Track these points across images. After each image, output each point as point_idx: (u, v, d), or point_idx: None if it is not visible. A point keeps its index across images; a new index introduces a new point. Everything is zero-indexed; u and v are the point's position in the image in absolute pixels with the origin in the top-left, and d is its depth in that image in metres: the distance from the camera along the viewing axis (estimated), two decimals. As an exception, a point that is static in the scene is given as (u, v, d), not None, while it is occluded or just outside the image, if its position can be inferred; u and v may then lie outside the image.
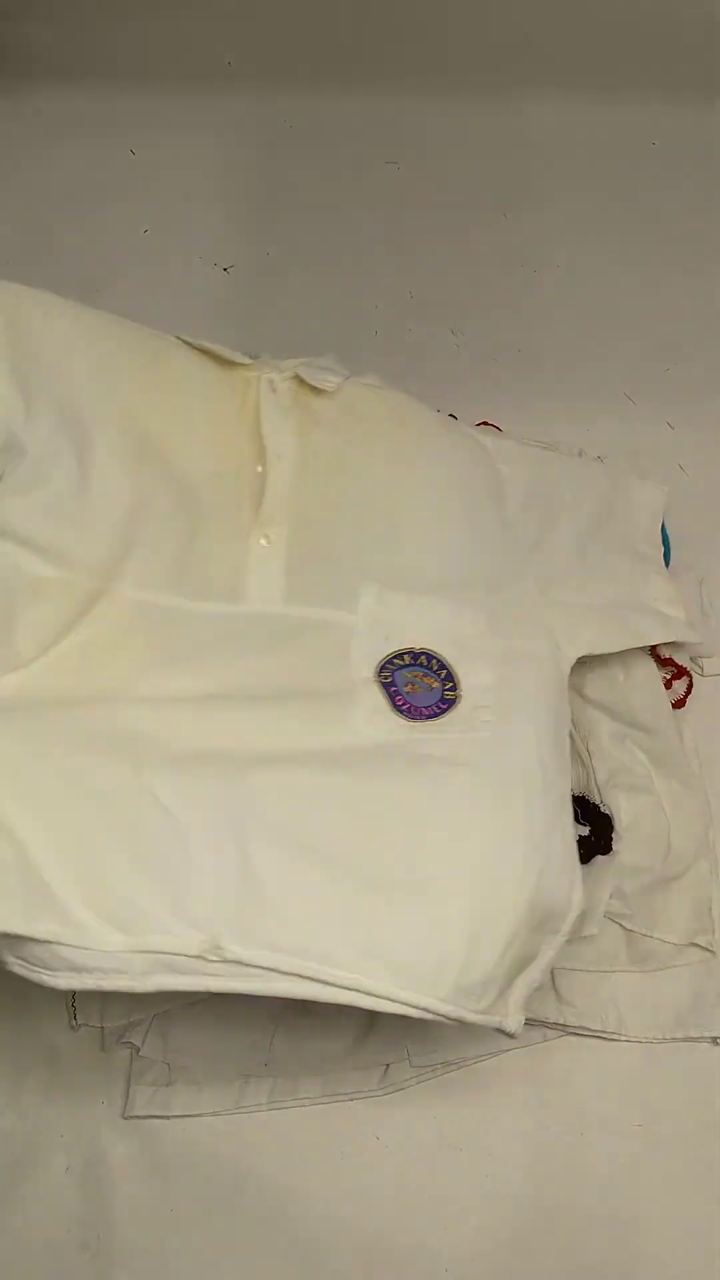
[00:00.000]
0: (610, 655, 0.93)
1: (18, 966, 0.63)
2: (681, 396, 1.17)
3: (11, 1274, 0.75)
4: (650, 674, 0.93)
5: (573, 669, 0.93)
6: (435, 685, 0.73)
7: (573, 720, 0.91)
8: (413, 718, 0.71)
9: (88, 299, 1.20)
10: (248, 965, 0.60)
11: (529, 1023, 0.81)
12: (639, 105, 1.39)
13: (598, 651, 0.85)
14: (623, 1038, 0.82)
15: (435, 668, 0.74)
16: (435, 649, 0.75)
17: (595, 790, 0.88)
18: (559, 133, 1.38)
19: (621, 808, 0.87)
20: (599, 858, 0.85)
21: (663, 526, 1.02)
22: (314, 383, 0.86)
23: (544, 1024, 0.82)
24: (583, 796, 0.88)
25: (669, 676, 0.95)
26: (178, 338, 0.85)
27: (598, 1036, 0.82)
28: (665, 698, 0.93)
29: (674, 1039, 0.82)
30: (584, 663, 0.93)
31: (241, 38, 1.38)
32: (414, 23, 1.37)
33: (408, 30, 1.38)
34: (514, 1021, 0.64)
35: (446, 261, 1.26)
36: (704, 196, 1.34)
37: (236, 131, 1.36)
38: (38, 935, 0.61)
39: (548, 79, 1.39)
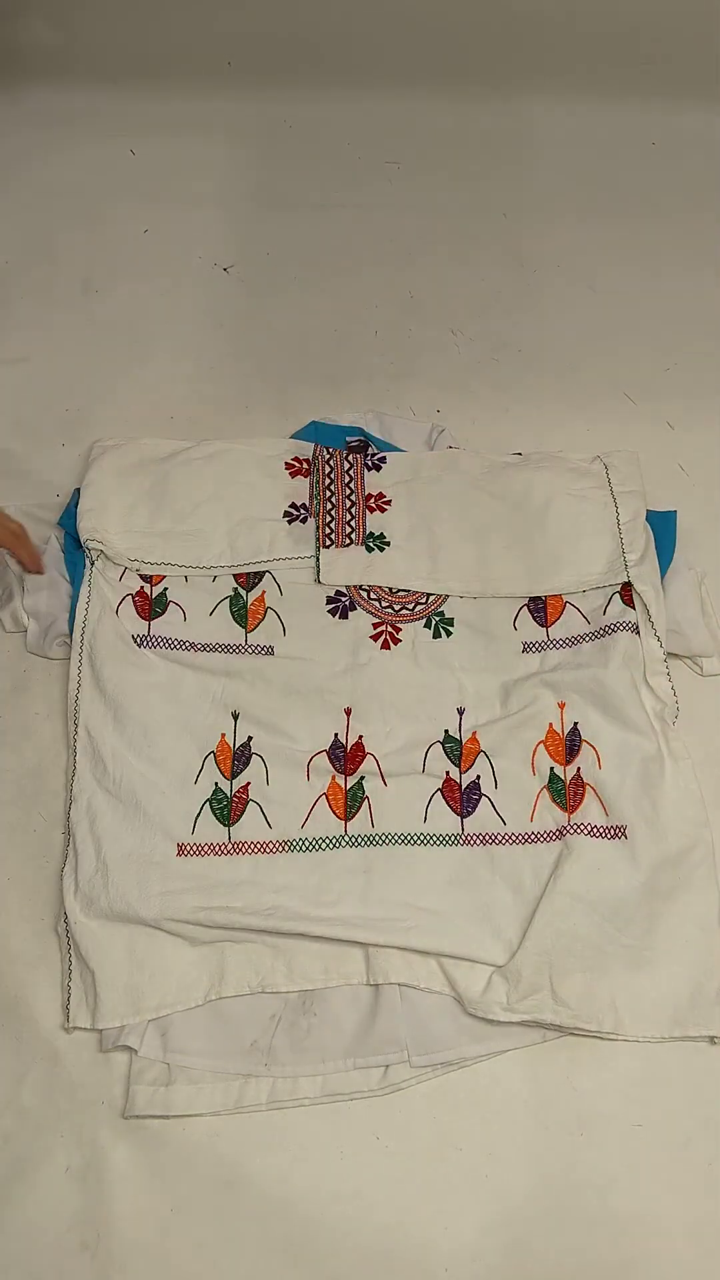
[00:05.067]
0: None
1: None
2: (681, 396, 1.17)
3: (11, 1274, 0.75)
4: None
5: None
6: None
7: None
8: None
9: (88, 299, 1.22)
10: None
11: (528, 1023, 0.82)
12: (639, 105, 1.39)
13: None
14: (621, 1038, 0.82)
15: None
16: None
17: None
18: (559, 133, 1.38)
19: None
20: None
21: (662, 529, 1.02)
22: None
23: (543, 1024, 0.82)
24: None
25: None
26: None
27: (597, 1036, 0.82)
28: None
29: (672, 1038, 0.82)
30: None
31: (241, 38, 1.38)
32: (414, 23, 1.37)
33: (408, 30, 1.38)
34: None
35: (446, 261, 1.27)
36: (704, 196, 1.34)
37: (236, 132, 1.36)
38: None
39: (548, 79, 1.39)
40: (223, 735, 0.91)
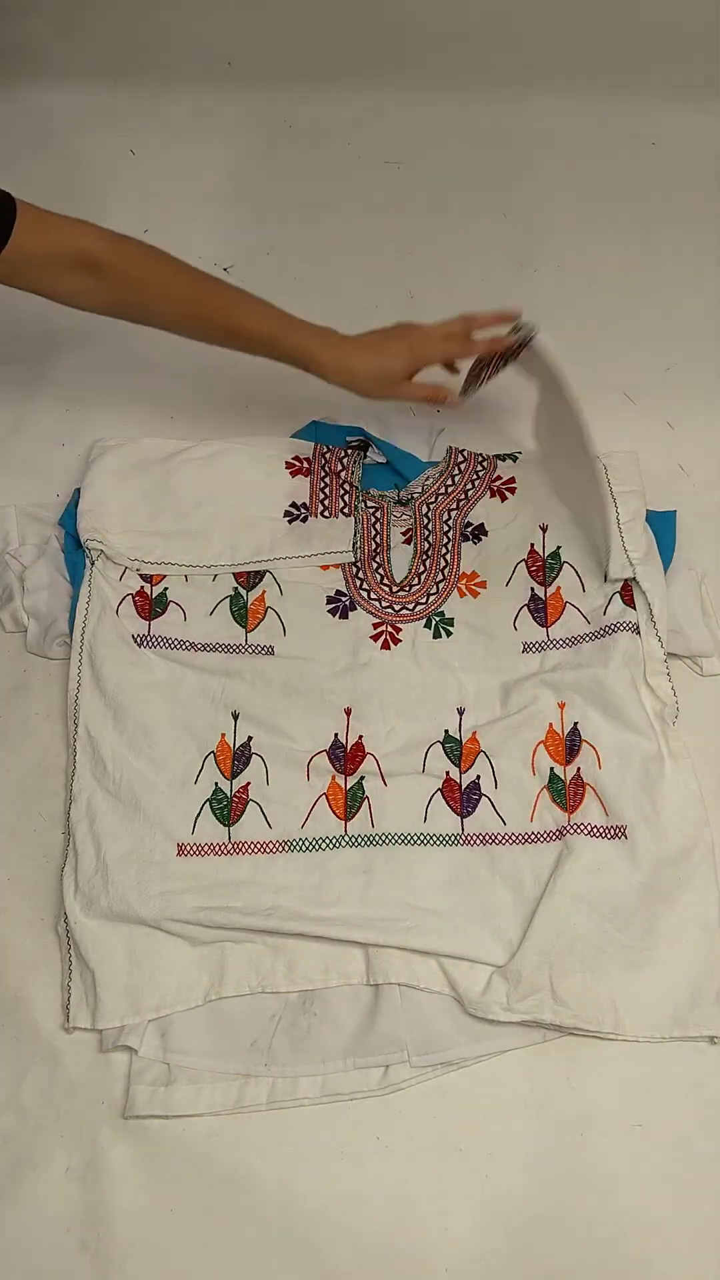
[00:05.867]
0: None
1: None
2: (681, 396, 1.17)
3: (11, 1274, 0.75)
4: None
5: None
6: None
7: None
8: None
9: (88, 299, 1.21)
10: None
11: (528, 1023, 0.82)
12: (639, 105, 1.39)
13: None
14: (621, 1038, 0.82)
15: None
16: None
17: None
18: (559, 132, 1.38)
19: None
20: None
21: (662, 529, 1.02)
22: None
23: (542, 1024, 0.82)
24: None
25: None
26: None
27: (597, 1036, 0.82)
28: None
29: (672, 1038, 0.82)
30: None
31: (241, 38, 1.38)
32: (414, 22, 1.37)
33: (408, 30, 1.38)
34: None
35: (446, 261, 1.26)
36: (704, 196, 1.34)
37: (236, 131, 1.36)
38: None
39: (548, 79, 1.39)
40: (223, 735, 0.91)
